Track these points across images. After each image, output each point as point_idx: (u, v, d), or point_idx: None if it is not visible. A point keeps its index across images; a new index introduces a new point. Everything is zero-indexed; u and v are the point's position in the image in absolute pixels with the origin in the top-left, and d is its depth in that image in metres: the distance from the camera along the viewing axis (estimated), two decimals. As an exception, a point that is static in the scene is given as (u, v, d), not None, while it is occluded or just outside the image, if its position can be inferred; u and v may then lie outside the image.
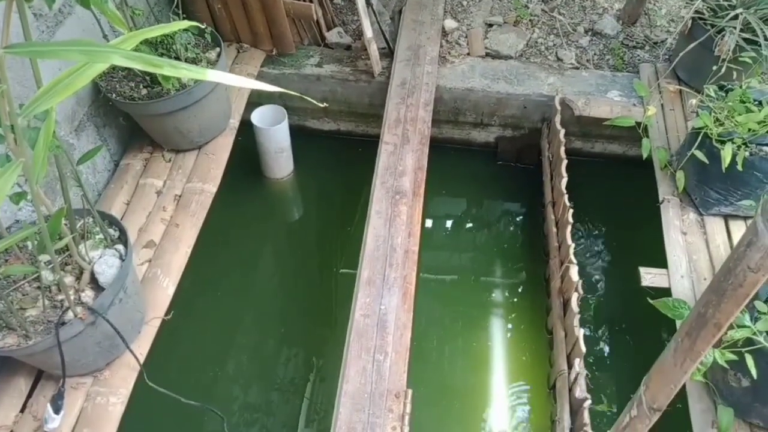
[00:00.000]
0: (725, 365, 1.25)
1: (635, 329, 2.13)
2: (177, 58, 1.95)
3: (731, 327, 1.24)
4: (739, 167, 1.64)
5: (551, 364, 1.93)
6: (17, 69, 1.55)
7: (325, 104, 0.81)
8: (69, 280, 1.42)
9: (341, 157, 2.76)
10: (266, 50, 2.63)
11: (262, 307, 2.27)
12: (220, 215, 2.09)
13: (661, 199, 1.92)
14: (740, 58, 1.87)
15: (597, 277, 2.31)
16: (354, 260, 1.83)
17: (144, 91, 1.92)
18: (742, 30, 1.89)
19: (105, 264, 1.44)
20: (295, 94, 0.68)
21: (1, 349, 1.33)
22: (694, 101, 1.77)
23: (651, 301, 1.40)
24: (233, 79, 0.59)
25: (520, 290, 2.28)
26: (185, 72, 0.56)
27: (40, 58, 0.56)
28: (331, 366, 2.05)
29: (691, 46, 1.98)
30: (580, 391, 1.52)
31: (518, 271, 2.35)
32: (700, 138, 1.73)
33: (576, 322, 1.67)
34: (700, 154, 1.71)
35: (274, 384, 2.05)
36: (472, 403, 1.98)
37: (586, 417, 1.47)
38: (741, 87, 1.75)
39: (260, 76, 2.59)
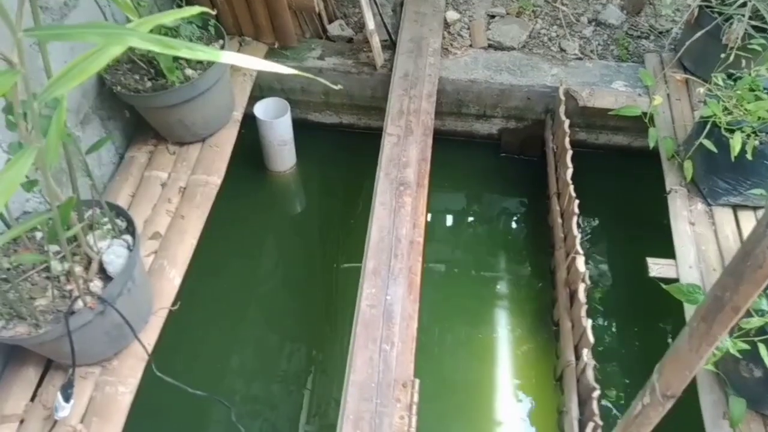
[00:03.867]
0: (738, 355, 1.25)
1: (641, 320, 2.13)
2: (181, 50, 1.95)
3: (748, 313, 1.23)
4: (749, 156, 1.62)
5: (558, 356, 1.93)
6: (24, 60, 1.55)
7: (339, 86, 0.81)
8: (78, 270, 1.43)
9: (343, 150, 2.76)
10: (268, 43, 2.62)
11: (267, 300, 2.28)
12: (224, 208, 2.09)
13: (668, 189, 1.91)
14: (749, 46, 1.86)
15: (603, 268, 2.31)
16: (358, 252, 1.83)
17: (148, 84, 1.92)
18: (750, 17, 1.88)
19: (113, 254, 1.45)
20: (309, 76, 0.67)
21: (13, 337, 1.34)
22: (702, 90, 1.76)
23: (664, 286, 1.39)
24: (247, 60, 0.59)
25: (524, 282, 2.28)
26: (201, 54, 0.56)
27: (58, 40, 0.56)
28: (335, 357, 2.06)
29: (698, 34, 1.97)
30: (589, 381, 1.52)
31: (522, 263, 2.35)
32: (708, 127, 1.72)
33: (583, 312, 1.67)
34: (708, 144, 1.70)
35: (279, 375, 2.05)
36: (478, 394, 1.98)
37: (595, 407, 1.47)
38: (750, 75, 1.74)
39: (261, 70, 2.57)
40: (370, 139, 2.55)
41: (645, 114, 2.01)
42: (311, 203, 2.70)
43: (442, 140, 2.45)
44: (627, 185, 2.52)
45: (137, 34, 0.52)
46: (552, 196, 2.23)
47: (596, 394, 1.49)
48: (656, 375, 0.93)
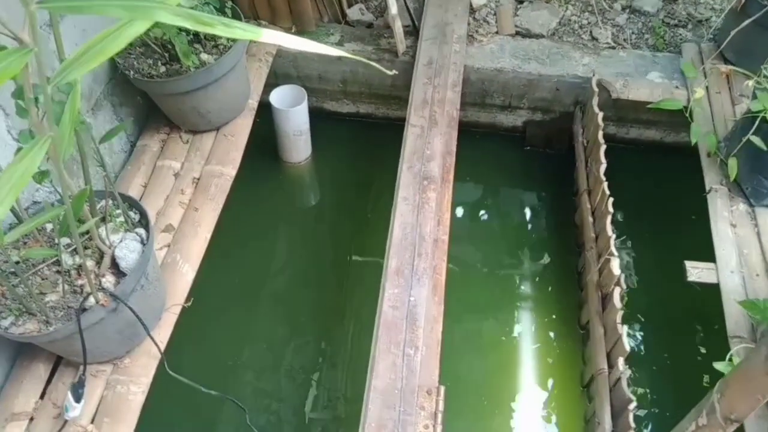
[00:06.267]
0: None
1: (675, 326, 2.03)
2: (197, 35, 1.86)
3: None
4: (800, 155, 1.52)
5: (585, 361, 1.85)
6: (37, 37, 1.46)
7: (394, 72, 0.72)
8: (89, 264, 1.36)
9: (360, 141, 2.67)
10: (285, 27, 2.52)
11: (280, 295, 2.21)
12: (236, 200, 2.02)
13: (707, 188, 1.81)
14: (800, 37, 1.74)
15: (633, 270, 2.21)
16: (375, 248, 1.76)
17: (162, 69, 1.83)
18: (803, 6, 1.75)
19: (126, 248, 1.38)
20: (362, 59, 0.58)
21: (22, 335, 1.28)
22: (750, 83, 1.65)
23: (738, 302, 1.30)
24: (291, 40, 0.50)
25: (548, 281, 2.20)
26: (239, 31, 0.47)
27: (76, 13, 0.48)
28: (353, 357, 2.00)
29: (745, 23, 1.84)
30: (624, 392, 1.44)
31: (546, 262, 2.26)
32: (757, 123, 1.61)
33: (618, 318, 1.58)
34: (757, 141, 1.59)
35: (293, 372, 2.00)
36: (499, 399, 1.91)
37: (632, 420, 1.39)
38: (803, 68, 1.62)
39: (278, 55, 2.49)
40: (389, 130, 2.46)
41: (685, 108, 1.89)
42: (327, 196, 2.61)
43: (463, 131, 2.35)
44: (659, 182, 2.41)
45: (167, 8, 0.44)
46: (582, 193, 2.13)
47: (633, 406, 1.41)
48: (717, 395, 0.84)
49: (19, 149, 1.13)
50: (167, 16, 0.44)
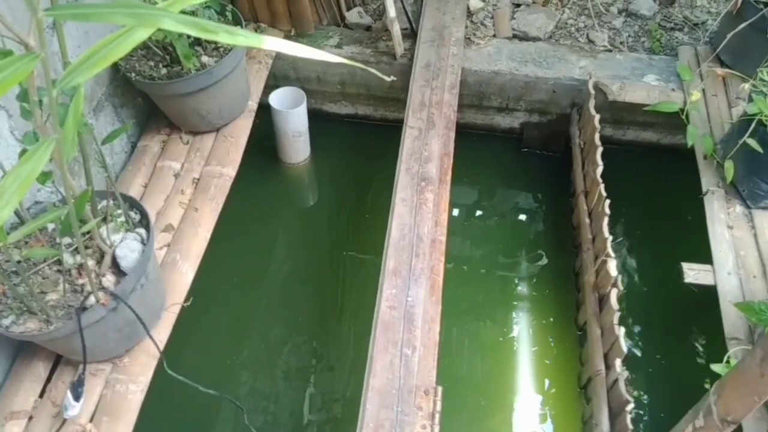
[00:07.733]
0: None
1: (672, 328, 2.05)
2: (198, 38, 1.87)
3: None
4: (795, 158, 1.54)
5: (582, 363, 1.86)
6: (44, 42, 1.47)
7: (393, 77, 0.73)
8: (90, 263, 1.37)
9: (358, 142, 2.69)
10: (284, 30, 2.54)
11: (278, 295, 2.23)
12: (236, 200, 2.03)
13: (704, 190, 1.83)
14: (796, 41, 1.76)
15: (629, 271, 2.23)
16: (373, 248, 1.76)
17: (163, 71, 1.85)
18: (798, 10, 1.77)
19: (127, 248, 1.39)
20: (361, 66, 0.60)
21: (23, 333, 1.29)
22: (746, 86, 1.67)
23: (734, 305, 1.31)
24: (294, 47, 0.51)
25: (545, 282, 2.21)
26: (242, 39, 0.48)
27: (83, 20, 0.49)
28: (351, 357, 2.01)
29: (741, 26, 1.86)
30: (622, 394, 1.45)
31: (543, 263, 2.28)
32: (753, 125, 1.62)
33: (615, 320, 1.59)
34: (753, 143, 1.61)
35: (293, 373, 2.01)
36: (496, 400, 1.92)
37: (629, 422, 1.40)
38: (798, 71, 1.64)
39: (278, 57, 2.50)
40: (386, 131, 2.47)
41: (682, 110, 1.91)
42: (325, 196, 2.63)
43: (460, 133, 2.36)
44: (656, 184, 2.43)
45: (171, 16, 0.45)
46: (578, 195, 2.14)
47: (630, 407, 1.42)
48: (713, 397, 0.86)
49: (23, 151, 1.14)
50: (171, 23, 0.45)
